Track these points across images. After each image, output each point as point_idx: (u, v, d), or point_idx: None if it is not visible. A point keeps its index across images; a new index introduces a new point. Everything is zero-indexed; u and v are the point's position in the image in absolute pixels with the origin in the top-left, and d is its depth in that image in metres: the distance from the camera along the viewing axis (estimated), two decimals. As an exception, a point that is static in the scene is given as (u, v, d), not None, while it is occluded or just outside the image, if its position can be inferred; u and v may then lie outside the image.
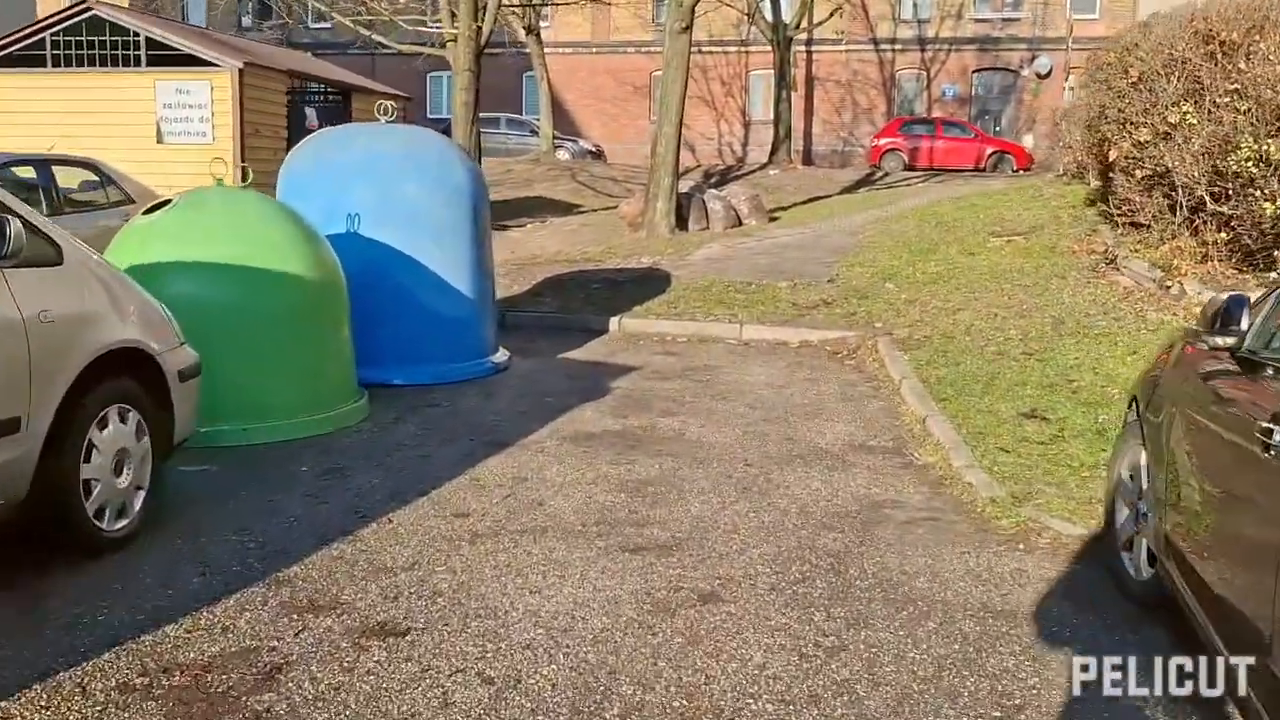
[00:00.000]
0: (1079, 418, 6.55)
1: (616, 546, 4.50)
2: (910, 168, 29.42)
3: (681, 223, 15.24)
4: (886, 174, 27.39)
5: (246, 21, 40.34)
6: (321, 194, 7.56)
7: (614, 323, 10.07)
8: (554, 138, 29.01)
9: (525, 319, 10.33)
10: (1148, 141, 9.11)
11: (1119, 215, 10.40)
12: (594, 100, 39.15)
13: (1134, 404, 4.39)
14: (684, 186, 17.13)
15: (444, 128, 33.42)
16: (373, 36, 18.59)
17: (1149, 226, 9.93)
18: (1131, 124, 9.43)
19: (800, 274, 12.03)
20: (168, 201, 6.46)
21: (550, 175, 24.52)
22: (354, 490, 5.25)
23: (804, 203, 20.23)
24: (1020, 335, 8.74)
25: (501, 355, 8.42)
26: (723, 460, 5.90)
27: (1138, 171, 9.58)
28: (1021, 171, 28.53)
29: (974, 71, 37.00)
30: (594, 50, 39.62)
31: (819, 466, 5.83)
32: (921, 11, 36.92)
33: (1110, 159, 9.98)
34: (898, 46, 37.32)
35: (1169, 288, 9.19)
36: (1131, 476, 4.16)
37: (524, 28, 27.08)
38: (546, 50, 37.70)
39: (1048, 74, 36.02)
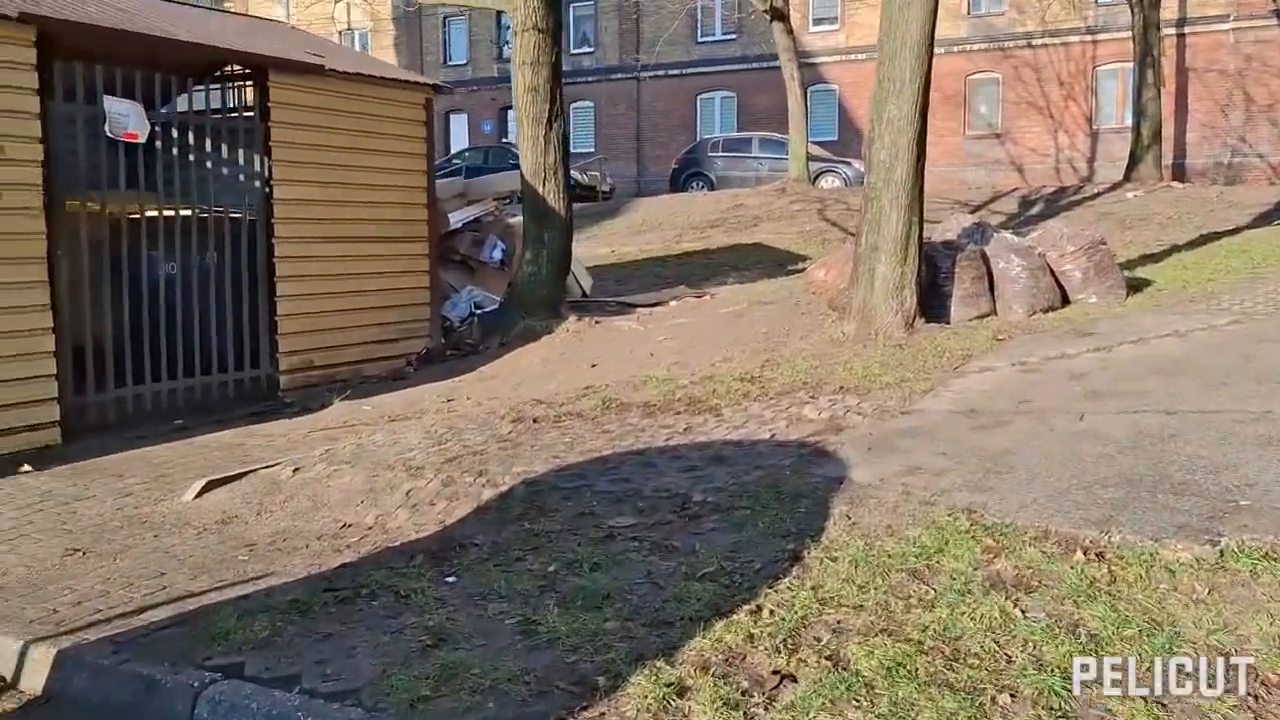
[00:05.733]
0: None
1: None
2: (1357, 182, 19.42)
3: (935, 301, 7.53)
4: (1325, 192, 17.79)
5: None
6: None
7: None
8: (816, 160, 21.61)
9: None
10: None
11: None
12: (891, 115, 31.29)
13: None
14: (961, 224, 9.21)
15: (685, 154, 26.96)
16: None
17: None
18: None
19: (1210, 494, 4.08)
20: None
21: (790, 211, 17.26)
22: None
23: (1190, 245, 11.66)
24: None
25: None
26: None
27: None
28: None
29: None
30: (891, 54, 31.84)
31: None
32: (1354, -35, 26.25)
33: None
34: (1315, 19, 26.82)
35: None
36: None
37: (765, 11, 19.91)
38: (839, 58, 30.50)
39: None
